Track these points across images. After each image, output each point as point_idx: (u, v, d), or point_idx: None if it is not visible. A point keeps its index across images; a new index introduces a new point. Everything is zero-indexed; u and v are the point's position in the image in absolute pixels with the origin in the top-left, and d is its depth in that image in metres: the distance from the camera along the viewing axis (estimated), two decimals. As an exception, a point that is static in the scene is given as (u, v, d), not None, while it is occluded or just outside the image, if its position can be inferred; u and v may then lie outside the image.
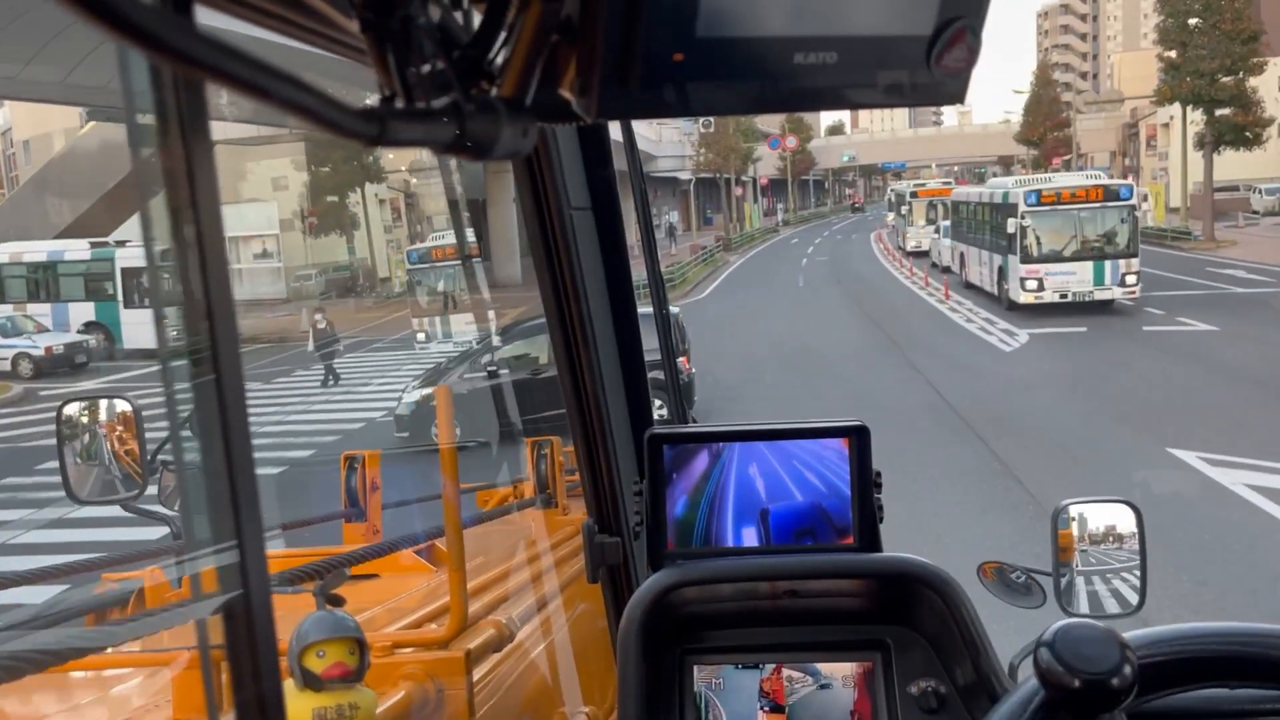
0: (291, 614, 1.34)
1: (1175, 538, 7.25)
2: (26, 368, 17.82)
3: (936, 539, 7.16)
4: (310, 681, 1.33)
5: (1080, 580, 1.67)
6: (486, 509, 2.92)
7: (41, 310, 19.92)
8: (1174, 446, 9.81)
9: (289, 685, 1.33)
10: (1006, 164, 76.91)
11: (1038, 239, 20.11)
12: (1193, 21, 32.20)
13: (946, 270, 28.23)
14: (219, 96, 0.52)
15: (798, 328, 20.01)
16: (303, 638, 1.33)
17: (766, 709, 1.51)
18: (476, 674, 1.72)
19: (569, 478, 2.74)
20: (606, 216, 1.77)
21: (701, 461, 1.56)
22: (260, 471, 0.57)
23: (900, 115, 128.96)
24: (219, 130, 0.54)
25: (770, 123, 59.38)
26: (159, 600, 1.84)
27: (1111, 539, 1.68)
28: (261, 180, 25.64)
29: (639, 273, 1.92)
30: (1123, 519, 1.68)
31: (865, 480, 1.54)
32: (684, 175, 53.81)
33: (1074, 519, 1.67)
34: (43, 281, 20.81)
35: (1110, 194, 20.34)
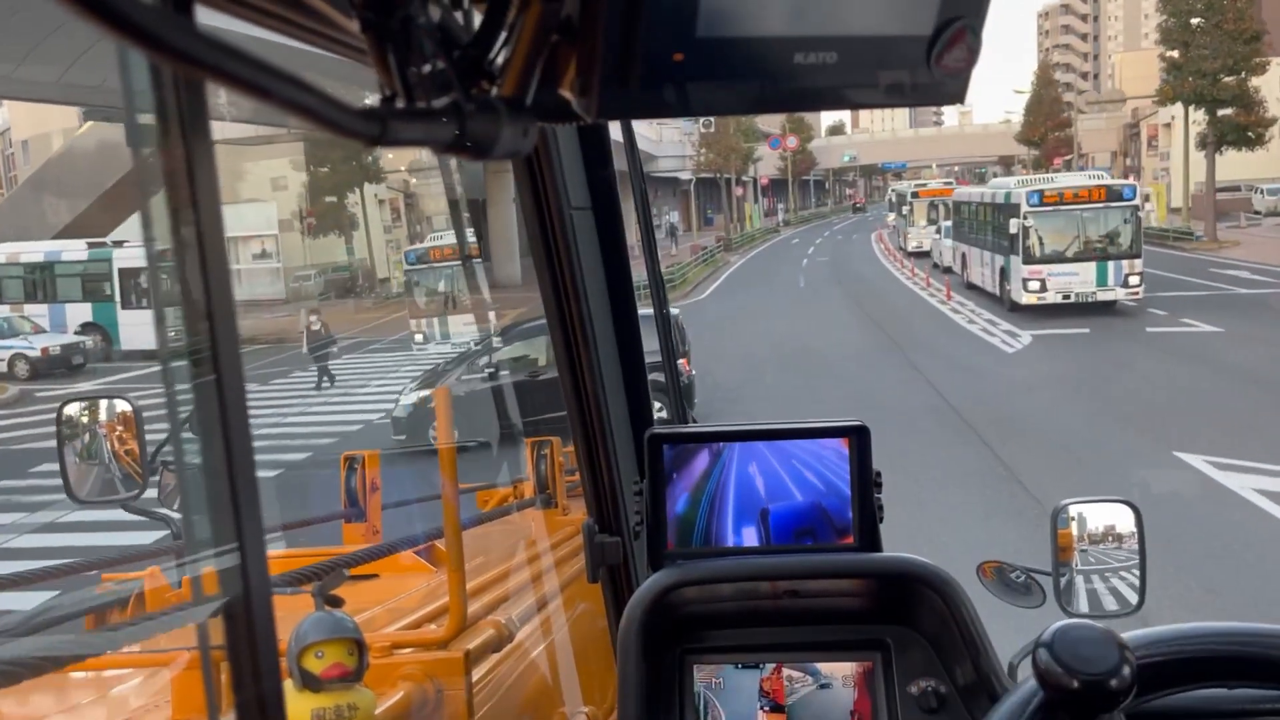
0: (291, 615, 1.34)
1: (1183, 544, 7.17)
2: (23, 369, 17.79)
3: (938, 541, 7.13)
4: (309, 682, 1.33)
5: (1080, 580, 1.67)
6: (486, 509, 2.91)
7: (39, 311, 19.86)
8: (1180, 450, 9.71)
9: (288, 686, 1.33)
10: (1007, 164, 76.93)
11: (1040, 239, 20.05)
12: (1195, 21, 32.19)
13: (948, 271, 28.21)
14: (218, 96, 0.52)
15: (798, 328, 20.00)
16: (301, 638, 1.33)
17: (766, 709, 1.51)
18: (476, 674, 1.72)
19: (569, 478, 2.74)
20: (606, 216, 1.77)
21: (702, 461, 1.56)
22: (257, 474, 0.57)
23: (901, 115, 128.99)
24: (218, 130, 0.53)
25: (771, 123, 59.39)
26: (159, 601, 1.84)
27: (1111, 539, 1.68)
28: (260, 180, 25.62)
29: (639, 273, 1.92)
30: (1122, 518, 1.68)
31: (865, 480, 1.54)
32: (684, 175, 53.81)
33: (1073, 519, 1.68)
34: (40, 282, 20.76)
35: (1113, 194, 20.27)
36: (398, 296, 19.89)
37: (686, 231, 50.47)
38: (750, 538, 1.55)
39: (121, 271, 19.56)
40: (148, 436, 2.12)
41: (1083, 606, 1.66)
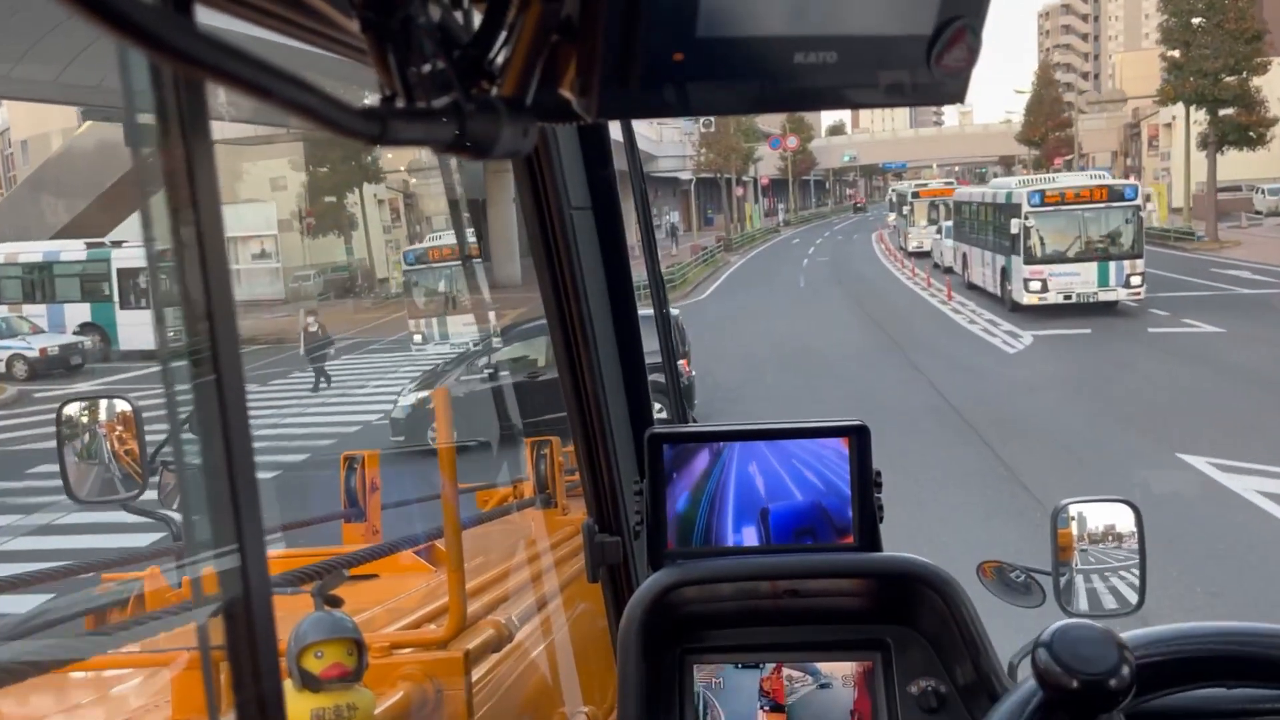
0: (291, 615, 1.34)
1: (1187, 546, 7.12)
2: (21, 369, 17.77)
3: (938, 542, 7.11)
4: (309, 682, 1.33)
5: (1080, 579, 1.67)
6: (486, 509, 2.91)
7: (37, 311, 19.82)
8: (1183, 451, 9.65)
9: (287, 686, 1.33)
10: (1008, 164, 76.93)
11: (1041, 239, 20.00)
12: (1196, 21, 32.16)
13: (949, 271, 28.19)
14: (217, 96, 0.52)
15: (799, 328, 19.99)
16: (301, 638, 1.33)
17: (766, 708, 1.51)
18: (475, 674, 1.72)
19: (569, 477, 2.74)
20: (606, 216, 1.77)
21: (701, 461, 1.56)
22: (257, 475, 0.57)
23: (901, 115, 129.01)
24: (217, 130, 0.53)
25: (771, 123, 59.40)
26: (159, 601, 1.84)
27: (1111, 538, 1.68)
28: (260, 181, 25.62)
29: (639, 273, 1.92)
30: (1122, 518, 1.68)
31: (865, 480, 1.54)
32: (685, 175, 53.82)
33: (1073, 518, 1.68)
34: (38, 282, 20.72)
35: (1115, 194, 20.22)
36: (396, 297, 19.89)
37: (687, 231, 50.48)
38: (750, 537, 1.55)
39: (120, 272, 19.53)
40: (148, 437, 2.12)
41: (1082, 606, 1.66)
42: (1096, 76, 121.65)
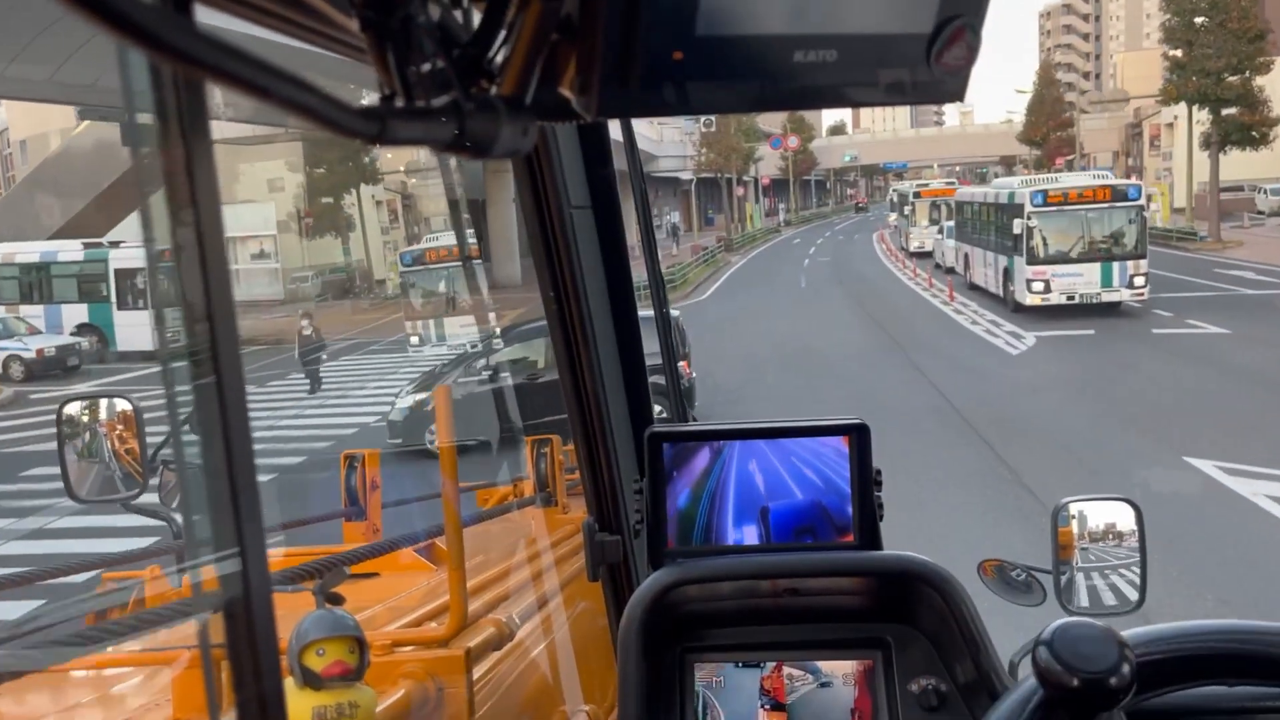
0: (292, 613, 1.35)
1: (1195, 553, 7.04)
2: (18, 370, 17.75)
3: (939, 543, 7.07)
4: (310, 680, 1.33)
5: (1080, 578, 1.67)
6: (486, 507, 2.92)
7: (34, 312, 19.78)
8: (1190, 455, 9.54)
9: (289, 684, 1.33)
10: (1009, 164, 76.89)
11: (1044, 240, 19.92)
12: (1199, 20, 32.08)
13: (950, 271, 28.15)
14: (214, 96, 0.52)
15: (800, 329, 19.98)
16: (302, 636, 1.33)
17: (767, 707, 1.52)
18: (476, 672, 1.72)
19: (569, 476, 2.75)
20: (606, 215, 1.77)
21: (702, 459, 1.56)
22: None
23: (902, 115, 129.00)
24: (216, 130, 0.54)
25: (772, 123, 59.40)
26: (159, 600, 1.84)
27: (1111, 536, 1.68)
28: (258, 181, 25.62)
29: (639, 273, 1.92)
30: (1122, 516, 1.68)
31: (865, 478, 1.54)
32: (685, 175, 53.82)
33: (1074, 517, 1.68)
34: (35, 283, 20.67)
35: (1118, 194, 20.13)
36: (394, 298, 19.86)
37: (687, 231, 50.46)
38: (750, 536, 1.55)
39: (118, 272, 19.49)
40: (148, 438, 2.12)
41: (1083, 604, 1.66)
42: (1098, 76, 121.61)
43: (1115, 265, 19.61)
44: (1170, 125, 50.84)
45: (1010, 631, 1.55)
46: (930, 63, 0.54)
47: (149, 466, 2.10)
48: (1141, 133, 61.09)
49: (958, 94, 0.57)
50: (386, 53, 0.50)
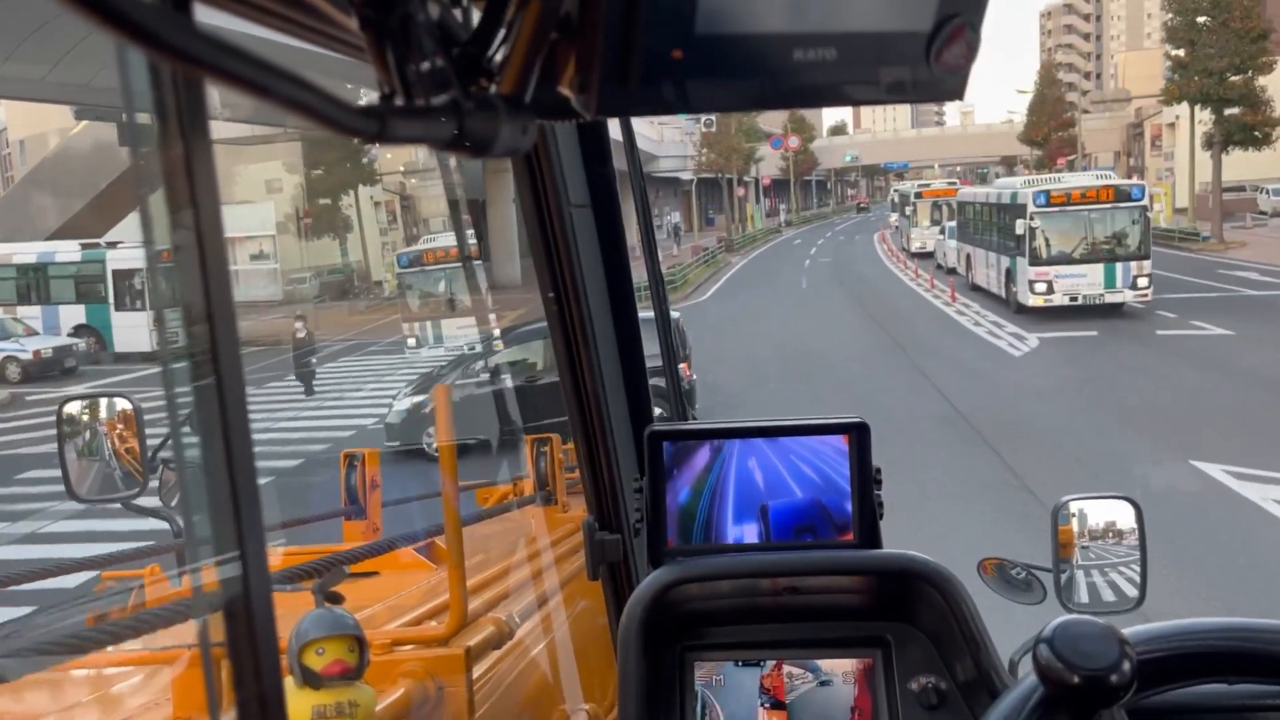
0: (291, 612, 1.35)
1: (1205, 560, 6.97)
2: (14, 372, 17.72)
3: (942, 545, 6.96)
4: (310, 679, 1.33)
5: (1080, 575, 1.67)
6: (486, 506, 2.92)
7: (31, 313, 19.73)
8: (1197, 459, 9.44)
9: (288, 683, 1.33)
10: (1010, 164, 76.87)
11: (1047, 240, 19.81)
12: (1201, 19, 32.02)
13: (952, 272, 28.11)
14: (215, 96, 0.52)
15: (801, 330, 19.95)
16: (302, 635, 1.33)
17: (767, 706, 1.52)
18: (476, 671, 1.72)
19: (569, 475, 2.75)
20: (606, 214, 1.78)
21: (701, 458, 1.56)
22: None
23: (903, 115, 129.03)
24: (215, 130, 0.54)
25: (773, 123, 59.40)
26: (159, 598, 1.84)
27: (1111, 535, 1.68)
28: (256, 182, 25.62)
29: (639, 274, 1.92)
30: (1122, 515, 1.68)
31: (865, 477, 1.54)
32: (686, 175, 53.82)
33: (1074, 515, 1.68)
34: (33, 284, 20.62)
35: (1122, 194, 20.01)
36: (392, 299, 19.83)
37: (688, 232, 50.46)
38: (750, 534, 1.55)
39: (115, 273, 19.43)
40: (148, 439, 2.12)
41: (1083, 601, 1.66)
42: (1099, 76, 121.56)
43: (1118, 266, 19.51)
44: (1172, 125, 50.82)
45: (1010, 630, 1.55)
46: (930, 61, 0.54)
47: (149, 466, 2.10)
48: (1143, 133, 61.06)
49: (957, 92, 0.57)
50: (386, 51, 0.50)
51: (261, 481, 0.57)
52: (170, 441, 1.88)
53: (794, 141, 59.42)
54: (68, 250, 20.46)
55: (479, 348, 9.38)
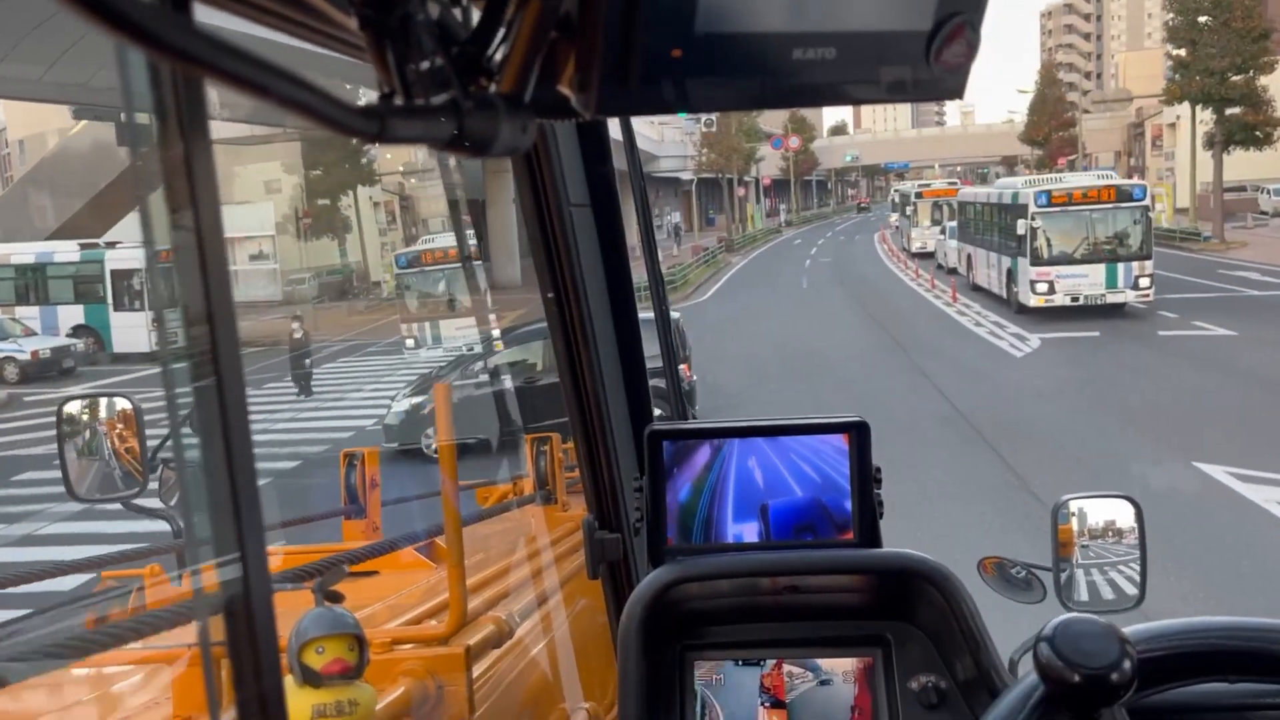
0: (291, 611, 1.35)
1: (1208, 563, 6.94)
2: (12, 372, 17.68)
3: (943, 546, 6.92)
4: (309, 678, 1.33)
5: (1080, 574, 1.67)
6: (486, 506, 2.92)
7: (30, 313, 19.69)
8: (1200, 461, 9.39)
9: (288, 682, 1.33)
10: (1010, 164, 76.87)
11: (1048, 240, 19.75)
12: (1202, 19, 31.98)
13: (953, 272, 28.08)
14: (214, 96, 0.52)
15: (801, 330, 19.93)
16: (302, 634, 1.33)
17: (767, 705, 1.52)
18: (476, 670, 1.72)
19: (569, 474, 2.75)
20: (606, 213, 1.78)
21: (701, 457, 1.56)
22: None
23: (903, 115, 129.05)
24: (214, 130, 0.54)
25: (773, 123, 59.40)
26: (159, 598, 1.84)
27: (1111, 534, 1.68)
28: (256, 182, 25.60)
29: (639, 274, 1.92)
30: (1122, 513, 1.68)
31: (865, 476, 1.54)
32: (686, 175, 53.81)
33: (1074, 514, 1.68)
34: (31, 284, 20.58)
35: (1123, 194, 19.94)
36: (391, 300, 19.81)
37: (688, 232, 50.46)
38: (750, 534, 1.55)
39: (114, 273, 19.39)
40: (148, 439, 2.12)
41: (1083, 600, 1.66)
42: (1099, 76, 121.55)
43: (1120, 266, 19.45)
44: (1172, 125, 50.79)
45: (1010, 629, 1.55)
46: (930, 60, 0.54)
47: (149, 466, 2.10)
48: (1144, 133, 61.04)
49: (957, 91, 0.57)
50: (385, 51, 0.50)
51: (261, 482, 0.57)
52: (170, 441, 1.88)
53: (794, 141, 59.44)
54: (66, 250, 20.42)
55: (478, 348, 9.36)
